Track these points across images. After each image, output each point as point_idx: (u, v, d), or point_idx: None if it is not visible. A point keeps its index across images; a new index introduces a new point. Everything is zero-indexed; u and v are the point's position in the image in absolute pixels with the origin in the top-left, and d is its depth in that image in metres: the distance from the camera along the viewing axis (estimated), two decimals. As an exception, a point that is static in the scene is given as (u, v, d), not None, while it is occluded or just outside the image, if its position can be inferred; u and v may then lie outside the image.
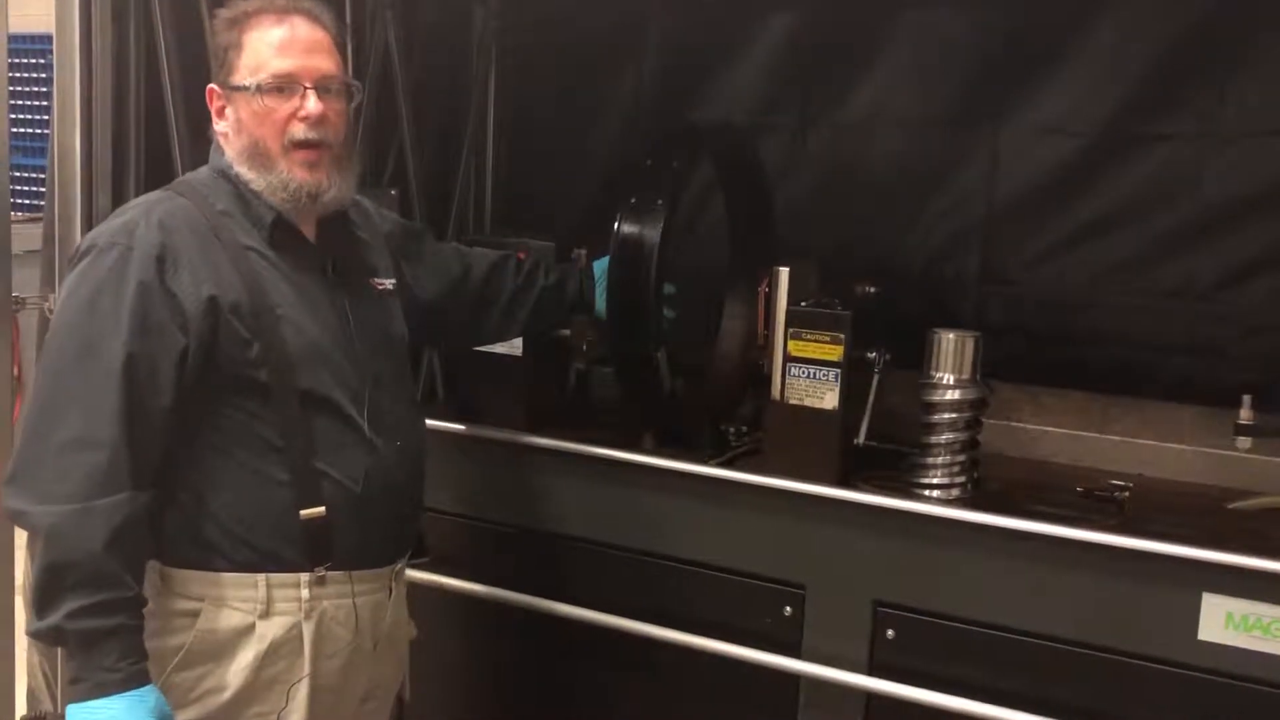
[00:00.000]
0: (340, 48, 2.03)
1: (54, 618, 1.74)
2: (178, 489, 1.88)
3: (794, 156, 3.02)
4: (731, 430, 2.59)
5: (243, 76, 1.93)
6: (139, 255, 1.83)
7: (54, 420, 1.79)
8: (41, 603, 1.76)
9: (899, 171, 2.92)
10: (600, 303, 2.47)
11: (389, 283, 2.14)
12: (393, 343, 2.13)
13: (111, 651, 1.76)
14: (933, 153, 2.88)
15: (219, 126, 1.99)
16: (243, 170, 1.95)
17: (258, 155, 1.94)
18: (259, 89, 1.91)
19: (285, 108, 1.92)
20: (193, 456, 1.88)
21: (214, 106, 1.99)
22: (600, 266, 2.48)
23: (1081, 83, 2.71)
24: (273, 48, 1.93)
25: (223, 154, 1.99)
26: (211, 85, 1.98)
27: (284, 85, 1.92)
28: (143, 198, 2.00)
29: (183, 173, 2.32)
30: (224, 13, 1.99)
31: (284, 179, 1.93)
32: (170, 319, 1.83)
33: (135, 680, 1.77)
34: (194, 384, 1.85)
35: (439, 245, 2.42)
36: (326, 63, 1.96)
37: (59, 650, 2.38)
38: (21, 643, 2.86)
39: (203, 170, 2.03)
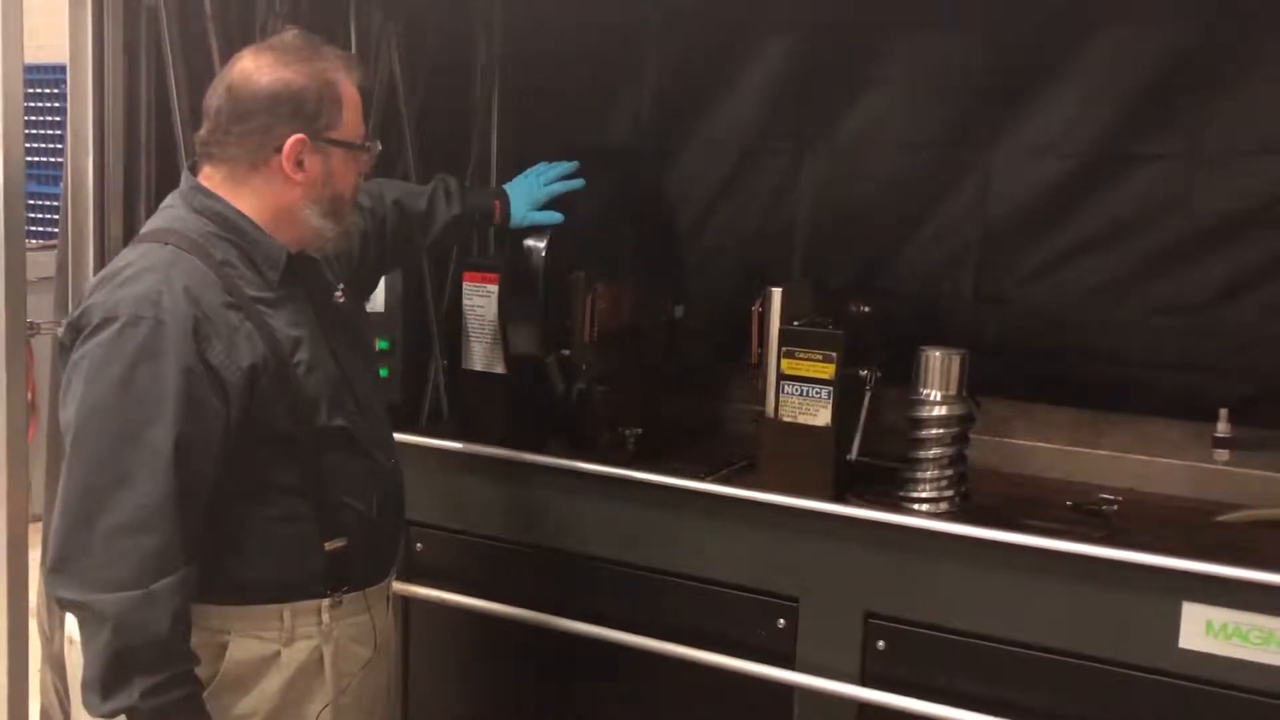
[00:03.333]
0: None
1: (126, 700, 1.75)
2: (208, 539, 1.86)
3: (791, 179, 3.06)
4: (628, 432, 2.68)
5: (348, 134, 1.97)
6: (174, 331, 1.78)
7: (99, 505, 1.75)
8: (110, 685, 1.76)
9: (894, 193, 2.95)
10: (518, 213, 2.57)
11: (340, 289, 2.12)
12: (368, 357, 2.18)
13: (180, 718, 1.79)
14: (927, 174, 2.90)
15: (294, 174, 1.92)
16: (316, 219, 1.96)
17: (338, 205, 1.99)
18: (366, 149, 2.01)
19: None
20: (220, 505, 1.87)
21: (293, 158, 1.91)
22: (517, 190, 2.59)
23: (1071, 105, 2.74)
24: (359, 107, 2.00)
25: (217, 198, 1.93)
26: (301, 135, 1.90)
27: None
28: (145, 255, 1.88)
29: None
30: (295, 60, 1.92)
31: (350, 223, 2.05)
32: (213, 395, 1.80)
33: None
34: (232, 447, 1.85)
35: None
36: None
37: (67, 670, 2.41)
38: (35, 662, 2.92)
39: (184, 215, 1.94)
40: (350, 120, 1.97)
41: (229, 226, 1.93)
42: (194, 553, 1.81)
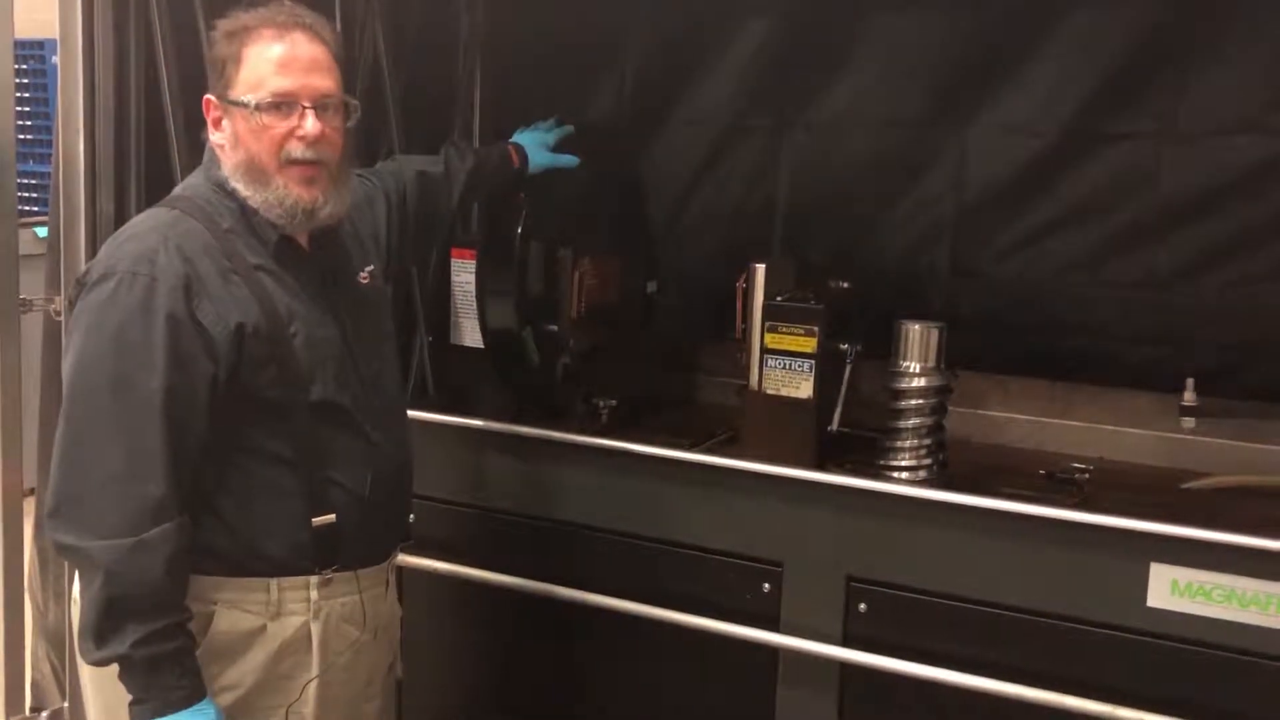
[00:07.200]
0: (340, 62, 2.00)
1: (119, 647, 1.78)
2: (195, 503, 1.89)
3: (772, 157, 3.08)
4: (600, 402, 2.73)
5: (241, 91, 1.91)
6: (165, 286, 1.82)
7: (94, 454, 1.80)
8: (103, 632, 1.79)
9: (872, 171, 2.98)
10: (537, 157, 2.65)
11: (367, 271, 2.14)
12: (384, 339, 2.18)
13: (173, 671, 1.81)
14: (904, 152, 2.93)
15: (215, 137, 1.97)
16: (239, 185, 1.94)
17: (253, 171, 1.92)
18: (257, 107, 1.89)
19: (283, 126, 1.91)
20: (210, 473, 1.90)
21: (210, 117, 1.97)
22: (526, 139, 2.68)
23: (1044, 84, 2.77)
24: (273, 64, 1.90)
25: (218, 165, 1.98)
26: (208, 96, 1.96)
27: (282, 104, 1.90)
28: (150, 217, 1.95)
29: (181, 177, 2.34)
30: (224, 24, 1.96)
31: (280, 195, 1.92)
32: (200, 350, 1.84)
33: (196, 695, 1.84)
34: (219, 407, 1.87)
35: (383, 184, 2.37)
36: (325, 81, 1.95)
37: (68, 641, 2.43)
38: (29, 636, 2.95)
39: (198, 182, 2.00)
40: (247, 79, 1.91)
41: (232, 196, 1.96)
42: (187, 506, 1.84)
